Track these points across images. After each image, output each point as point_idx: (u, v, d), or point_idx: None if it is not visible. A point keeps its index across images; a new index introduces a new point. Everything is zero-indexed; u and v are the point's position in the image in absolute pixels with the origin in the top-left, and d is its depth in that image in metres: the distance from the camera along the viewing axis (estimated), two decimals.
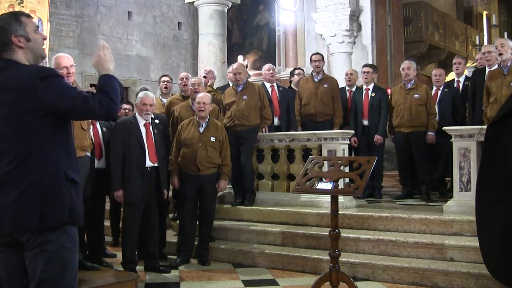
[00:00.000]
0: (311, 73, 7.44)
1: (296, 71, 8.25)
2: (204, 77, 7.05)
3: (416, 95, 6.82)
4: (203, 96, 5.68)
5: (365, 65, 7.68)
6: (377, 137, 7.02)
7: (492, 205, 3.88)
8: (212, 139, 5.63)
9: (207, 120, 5.68)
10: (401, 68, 7.16)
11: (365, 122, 7.16)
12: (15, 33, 2.39)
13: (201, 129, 5.63)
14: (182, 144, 5.64)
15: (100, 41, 2.59)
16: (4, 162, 2.30)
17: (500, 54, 5.96)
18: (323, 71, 7.43)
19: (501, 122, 4.03)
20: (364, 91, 7.23)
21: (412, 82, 6.93)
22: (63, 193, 2.33)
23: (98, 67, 2.51)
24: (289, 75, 8.75)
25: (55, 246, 2.31)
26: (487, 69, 6.58)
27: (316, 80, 7.26)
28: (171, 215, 6.69)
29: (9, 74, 2.34)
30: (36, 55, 2.48)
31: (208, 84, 7.09)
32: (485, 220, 3.94)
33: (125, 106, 6.91)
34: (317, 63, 7.30)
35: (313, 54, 7.59)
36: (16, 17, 2.43)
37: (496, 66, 6.44)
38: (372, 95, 7.13)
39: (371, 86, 7.21)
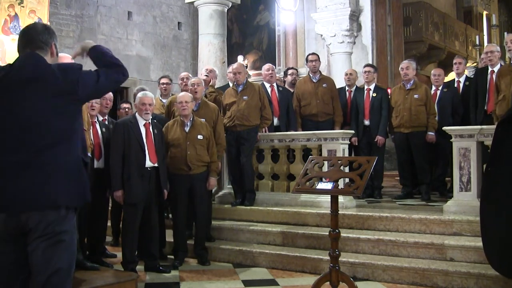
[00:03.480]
0: (308, 74, 7.43)
1: (290, 71, 8.23)
2: (206, 76, 7.02)
3: (415, 95, 6.81)
4: (184, 96, 5.69)
5: (366, 65, 7.70)
6: (379, 138, 7.03)
7: (497, 200, 3.89)
8: (199, 137, 5.63)
9: (191, 118, 5.67)
10: (400, 68, 7.15)
11: (366, 122, 7.16)
12: (55, 42, 2.68)
13: (187, 129, 5.62)
14: (169, 145, 5.63)
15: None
16: (38, 146, 2.42)
17: (510, 50, 5.92)
18: (319, 71, 7.43)
19: (511, 120, 4.02)
20: (365, 91, 7.23)
21: (412, 82, 6.92)
22: (84, 176, 2.58)
23: (83, 49, 2.80)
24: (283, 75, 8.72)
25: (69, 236, 2.47)
26: (490, 69, 6.57)
27: (314, 80, 7.26)
28: (170, 215, 6.66)
29: (46, 68, 2.51)
30: None
31: (210, 84, 7.06)
32: (489, 215, 3.94)
33: (124, 105, 6.91)
34: (313, 63, 7.31)
35: (309, 55, 7.59)
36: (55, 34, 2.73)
37: (498, 66, 6.44)
38: (374, 95, 7.14)
39: (372, 86, 7.21)
